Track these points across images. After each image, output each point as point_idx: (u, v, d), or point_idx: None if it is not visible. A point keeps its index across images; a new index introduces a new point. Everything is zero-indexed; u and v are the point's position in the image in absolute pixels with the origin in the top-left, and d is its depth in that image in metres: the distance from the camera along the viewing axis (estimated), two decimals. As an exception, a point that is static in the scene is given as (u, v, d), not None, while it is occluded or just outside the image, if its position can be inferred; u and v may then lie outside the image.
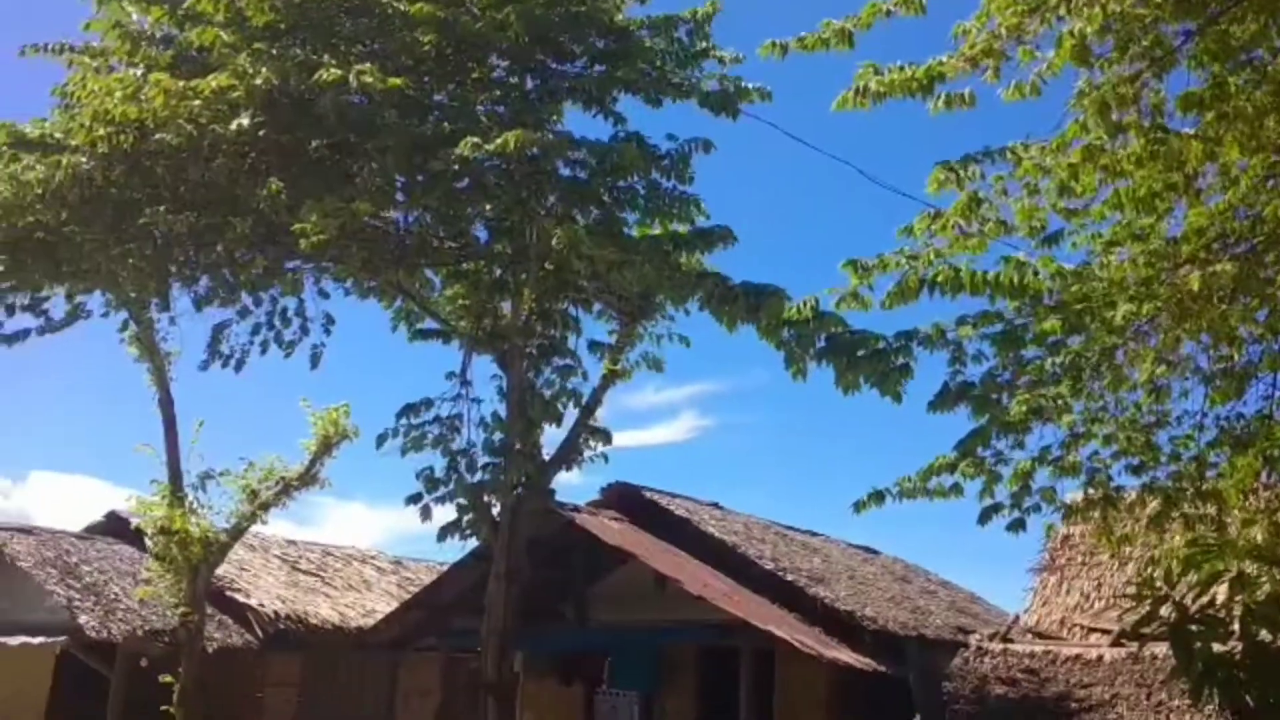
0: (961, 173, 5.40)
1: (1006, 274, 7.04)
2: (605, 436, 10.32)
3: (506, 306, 9.80)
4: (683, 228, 8.41)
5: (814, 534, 16.94)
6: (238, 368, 10.62)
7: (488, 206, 8.04)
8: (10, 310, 10.78)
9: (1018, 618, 12.38)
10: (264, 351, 10.47)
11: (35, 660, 14.60)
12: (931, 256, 7.11)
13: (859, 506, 8.68)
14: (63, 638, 13.84)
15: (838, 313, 7.06)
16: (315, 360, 10.44)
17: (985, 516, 9.03)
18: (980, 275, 7.09)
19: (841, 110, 6.58)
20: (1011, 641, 11.08)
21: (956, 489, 8.86)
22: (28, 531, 15.95)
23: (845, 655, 11.57)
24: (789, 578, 13.15)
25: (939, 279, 7.09)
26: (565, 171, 8.47)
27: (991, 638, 11.21)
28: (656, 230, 8.73)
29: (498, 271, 8.81)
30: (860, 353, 7.43)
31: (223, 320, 10.32)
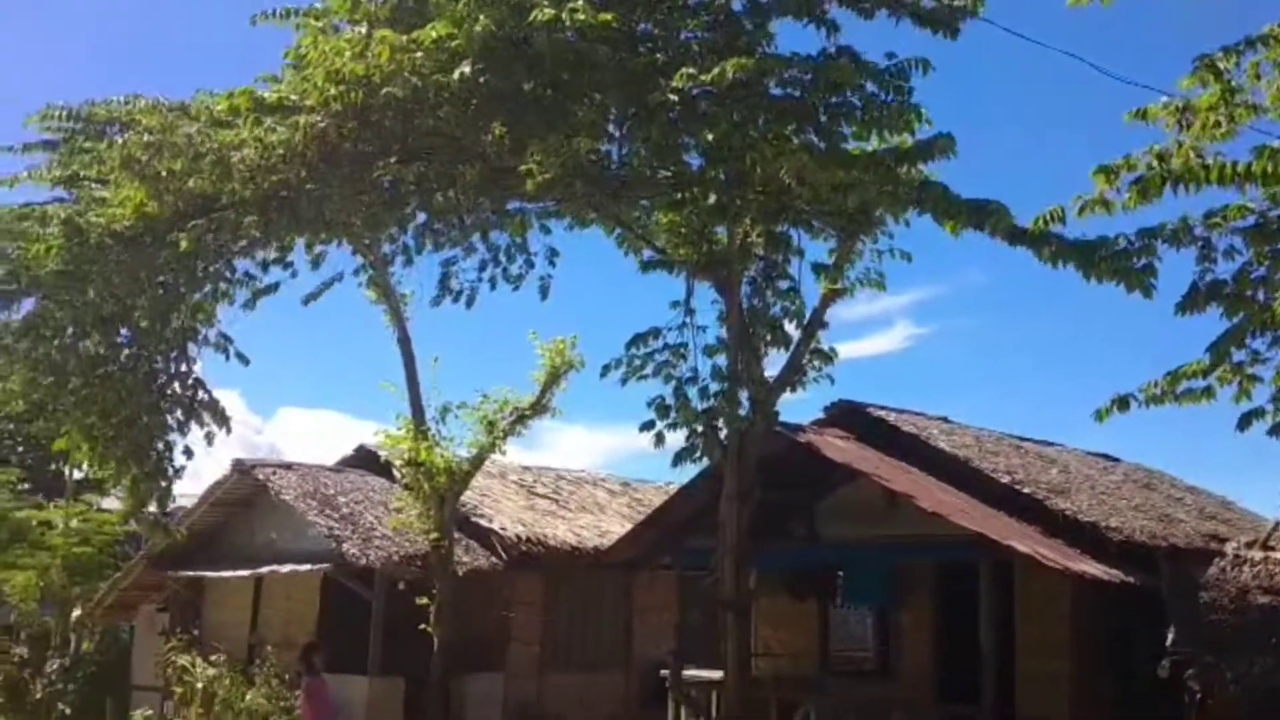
0: (1222, 64, 5.01)
1: (1260, 164, 6.58)
2: (829, 357, 10.24)
3: (723, 232, 9.80)
4: (903, 140, 8.14)
5: (1049, 444, 16.39)
6: (468, 304, 11.00)
7: (706, 134, 7.98)
8: (264, 266, 11.52)
9: (1279, 524, 11.68)
10: (493, 287, 10.82)
11: (305, 585, 15.86)
12: (1178, 150, 6.72)
13: (1101, 414, 8.37)
14: (327, 565, 14.94)
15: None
16: (544, 292, 10.71)
17: (1244, 422, 8.56)
18: (1230, 166, 6.66)
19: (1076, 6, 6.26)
20: (1274, 549, 10.51)
21: (1208, 393, 8.43)
22: (288, 467, 17.22)
23: (1091, 568, 11.23)
24: (1026, 490, 12.81)
25: (1184, 173, 6.70)
26: (777, 91, 8.32)
27: (1250, 545, 10.67)
28: (874, 143, 8.50)
29: (714, 198, 8.78)
30: (1100, 254, 7.10)
31: (450, 257, 10.72)
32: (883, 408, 14.44)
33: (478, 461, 14.32)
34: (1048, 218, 6.86)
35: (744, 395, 9.32)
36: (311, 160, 9.12)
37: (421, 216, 10.17)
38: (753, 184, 8.47)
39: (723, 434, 9.45)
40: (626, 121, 8.57)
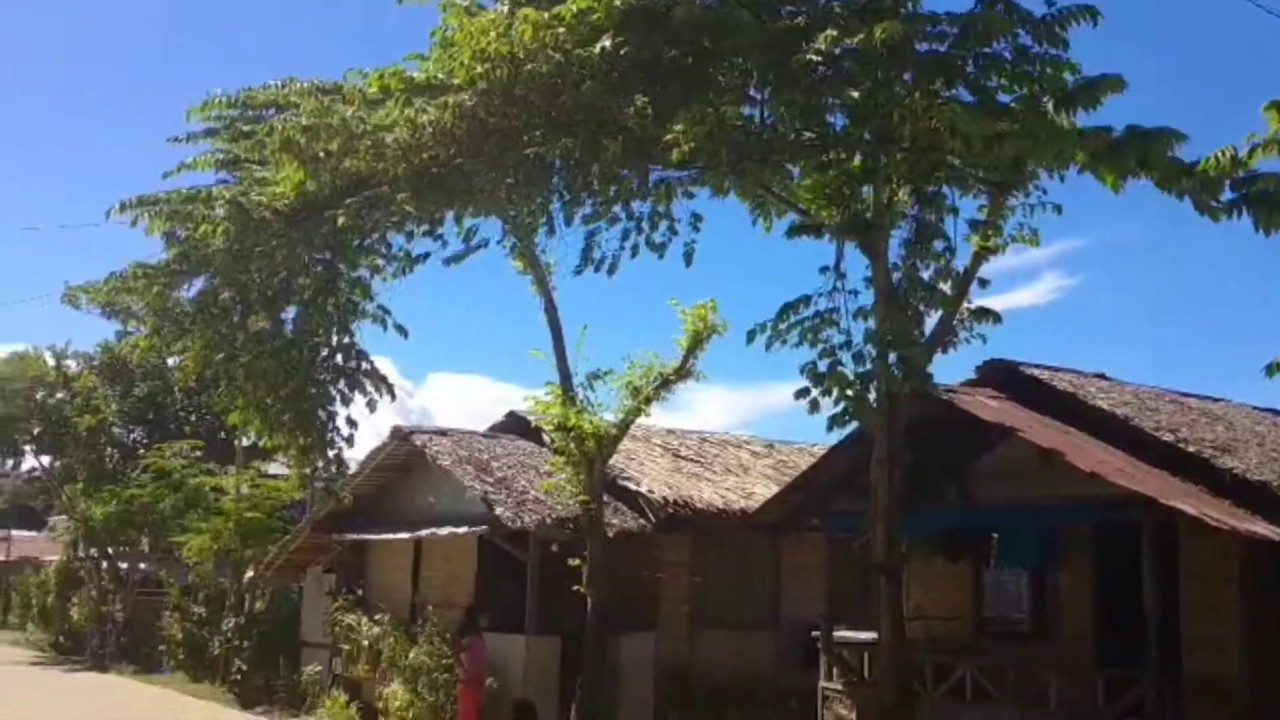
0: None
1: None
2: (988, 316, 10.04)
3: (870, 192, 9.66)
4: (1058, 87, 7.86)
5: (1214, 399, 15.73)
6: (610, 272, 11.12)
7: (851, 94, 7.88)
8: (410, 237, 11.92)
9: None
10: (634, 255, 10.91)
11: (462, 547, 16.41)
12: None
13: (1272, 369, 8.00)
14: (483, 527, 15.40)
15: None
16: (689, 258, 10.73)
17: None
18: None
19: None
20: None
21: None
22: (444, 433, 17.78)
23: (1262, 528, 10.77)
24: (1190, 449, 12.33)
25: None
26: (923, 48, 8.14)
27: None
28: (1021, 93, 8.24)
29: (860, 158, 8.67)
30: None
31: (593, 228, 10.83)
32: (1036, 366, 14.07)
33: (625, 426, 14.52)
34: (1219, 160, 6.52)
35: (895, 358, 9.20)
36: (460, 138, 9.36)
37: (565, 189, 10.33)
38: (899, 142, 8.33)
39: (874, 398, 9.37)
40: (768, 85, 8.53)
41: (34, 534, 42.34)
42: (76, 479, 29.25)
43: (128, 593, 28.04)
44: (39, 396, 29.21)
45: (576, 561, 13.91)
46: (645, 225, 10.65)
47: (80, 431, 29.12)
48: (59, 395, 29.59)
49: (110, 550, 28.85)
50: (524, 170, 9.86)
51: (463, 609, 15.48)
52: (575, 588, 13.93)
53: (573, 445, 14.06)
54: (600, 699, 13.74)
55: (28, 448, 30.15)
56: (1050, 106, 7.67)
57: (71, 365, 30.97)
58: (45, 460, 30.70)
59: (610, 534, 14.70)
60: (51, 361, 30.21)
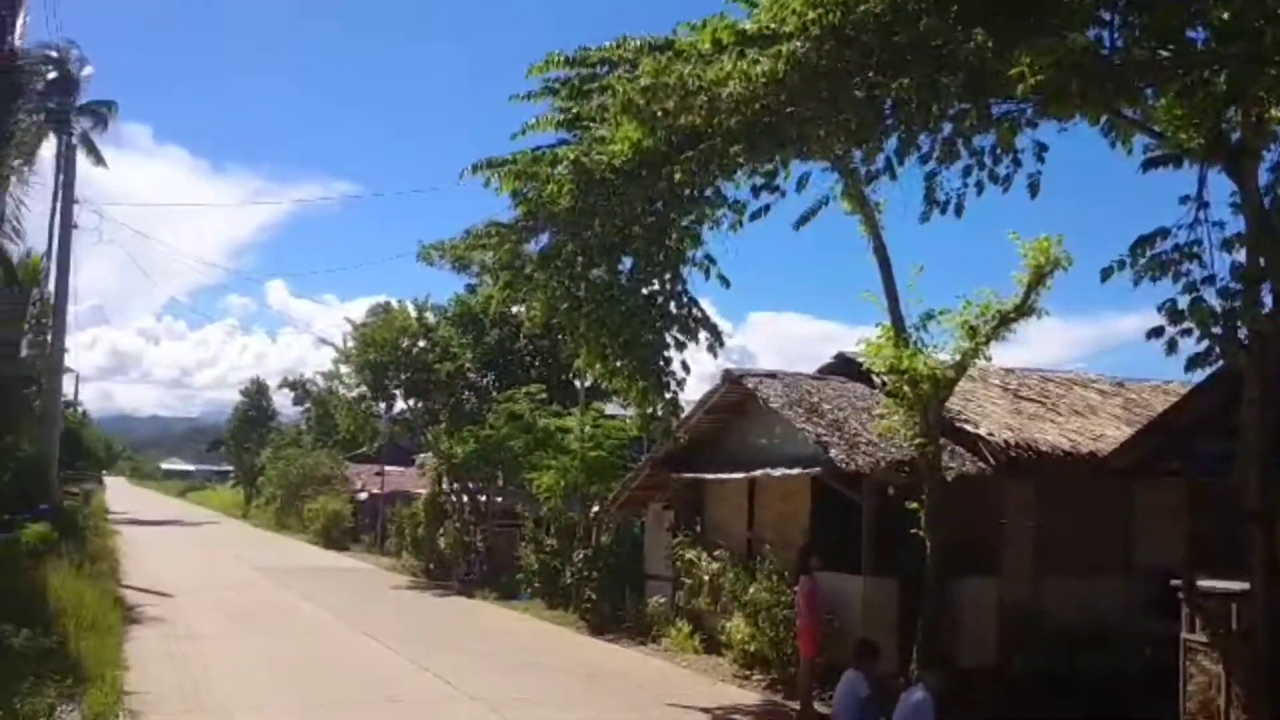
0: None
1: None
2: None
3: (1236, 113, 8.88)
4: None
5: None
6: (957, 212, 10.79)
7: (1219, 12, 7.26)
8: (755, 191, 12.12)
9: None
10: (980, 192, 10.53)
11: (797, 487, 16.64)
12: None
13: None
14: (816, 469, 15.54)
15: None
16: (1033, 189, 10.20)
17: None
18: None
19: None
20: None
21: None
22: (773, 376, 18.03)
23: None
24: None
25: None
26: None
27: None
28: None
29: (1227, 78, 7.97)
30: None
31: (933, 169, 10.53)
32: None
33: (961, 367, 14.15)
34: None
35: (1266, 292, 8.48)
36: (792, 85, 9.42)
37: (901, 129, 10.14)
38: (1271, 60, 7.60)
39: (1243, 334, 8.69)
40: (1122, 5, 8.01)
41: (404, 469, 46.75)
42: (439, 420, 31.93)
43: (487, 524, 30.45)
44: (404, 345, 32.02)
45: (914, 505, 13.79)
46: (987, 160, 10.26)
47: (440, 377, 31.74)
48: (421, 344, 32.32)
49: (470, 485, 31.38)
50: (856, 112, 9.78)
51: (797, 548, 15.74)
52: (913, 531, 13.83)
53: (906, 388, 13.87)
54: (940, 641, 13.62)
55: (397, 392, 33.11)
56: None
57: (429, 317, 33.70)
58: (411, 403, 33.64)
59: (948, 478, 14.46)
60: (414, 313, 33.03)
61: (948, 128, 9.70)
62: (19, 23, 22.16)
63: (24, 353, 43.40)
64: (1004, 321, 13.85)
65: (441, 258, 15.55)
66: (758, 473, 16.94)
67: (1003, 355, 17.49)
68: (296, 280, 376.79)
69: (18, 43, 23.81)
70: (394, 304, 33.81)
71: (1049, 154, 9.82)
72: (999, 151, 10.04)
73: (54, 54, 49.90)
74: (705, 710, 13.71)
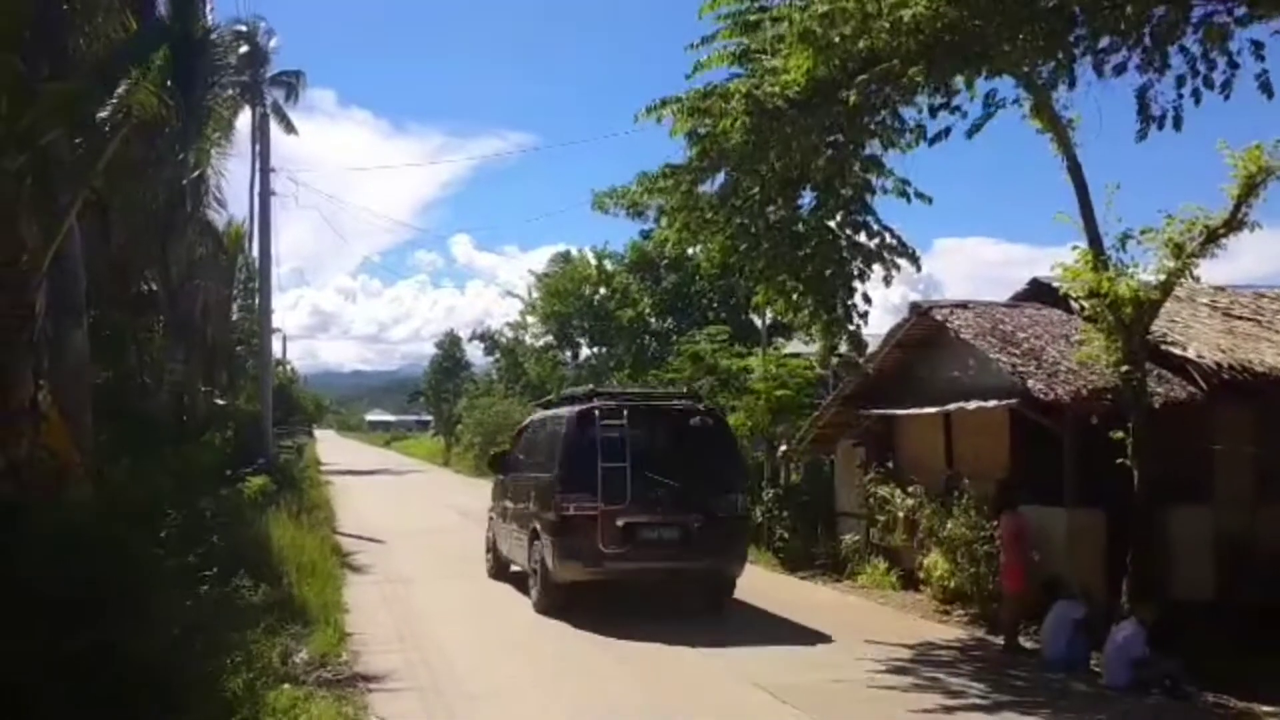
0: None
1: None
2: None
3: None
4: None
5: None
6: (1176, 125, 10.15)
7: None
8: (933, 112, 11.71)
9: None
10: (1198, 102, 9.86)
11: (993, 420, 16.15)
12: None
13: None
14: (1013, 400, 15.03)
15: None
16: (1267, 89, 9.47)
17: None
18: None
19: None
20: None
21: None
22: (964, 306, 17.51)
23: None
24: None
25: None
26: None
27: None
28: None
29: None
30: None
31: (1146, 82, 9.91)
32: None
33: (1166, 288, 13.40)
34: None
35: None
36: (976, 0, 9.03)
37: (1091, 38, 9.60)
38: None
39: None
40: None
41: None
42: (623, 366, 32.41)
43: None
44: (585, 293, 32.57)
45: (1119, 434, 13.21)
46: (1201, 66, 9.57)
47: (622, 324, 32.17)
48: (602, 292, 32.81)
49: (656, 427, 31.78)
50: (1044, 23, 9.32)
51: (995, 483, 15.34)
52: (1119, 460, 13.27)
53: (1107, 312, 13.26)
54: (1152, 573, 13.08)
55: (581, 340, 33.78)
56: None
57: (608, 265, 34.16)
58: (595, 350, 34.27)
59: (1155, 404, 13.78)
60: (593, 261, 33.53)
61: (1147, 36, 9.10)
62: (208, 5, 23.34)
63: (234, 316, 46.29)
64: (1212, 237, 13.04)
65: (616, 204, 15.64)
66: (951, 406, 16.53)
67: (1211, 272, 16.51)
68: (480, 234, 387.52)
69: (209, 21, 25.12)
70: (573, 253, 34.40)
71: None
72: (1210, 55, 9.35)
73: (243, 28, 52.39)
74: (907, 646, 13.58)
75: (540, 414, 18.12)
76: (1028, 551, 13.95)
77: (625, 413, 14.98)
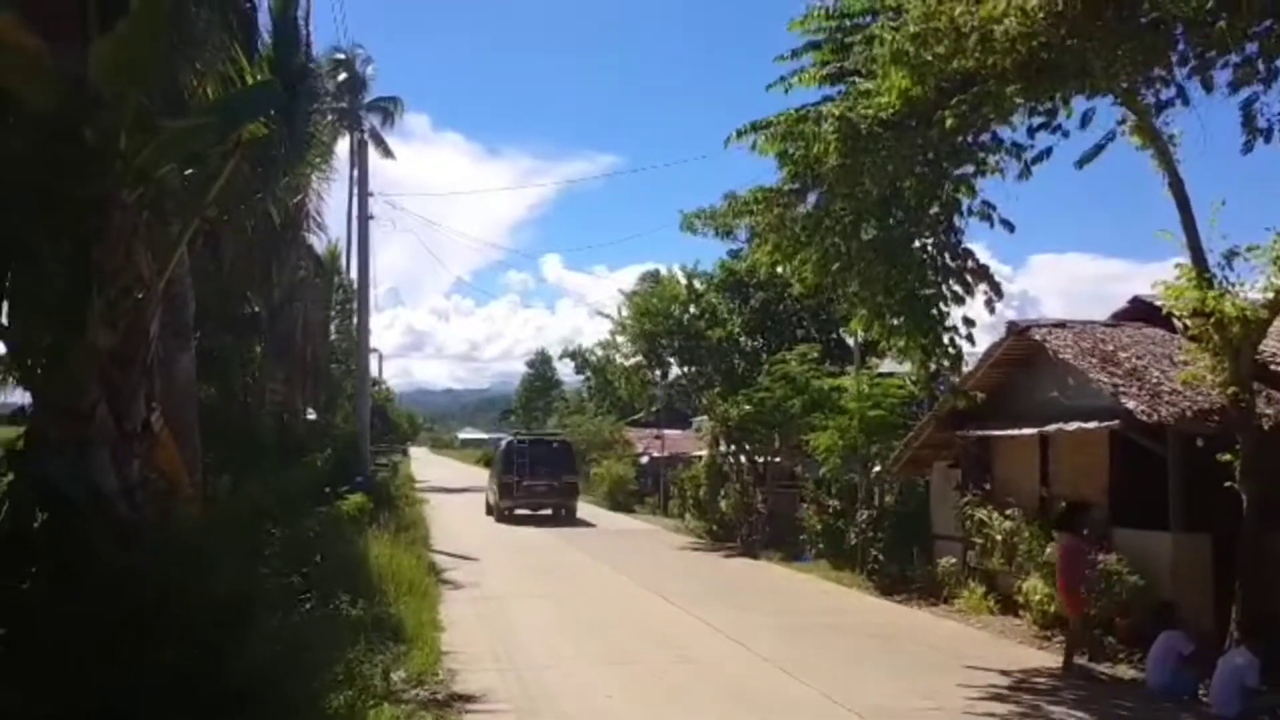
0: None
1: None
2: None
3: None
4: None
5: None
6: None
7: None
8: (1030, 132, 11.55)
9: None
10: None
11: (1092, 442, 15.82)
12: None
13: None
14: (1114, 421, 14.70)
15: None
16: None
17: None
18: None
19: None
20: None
21: None
22: (1063, 325, 17.19)
23: None
24: None
25: None
26: None
27: None
28: None
29: None
30: None
31: (1252, 94, 9.66)
32: None
33: (1275, 306, 12.98)
34: None
35: None
36: (1073, 16, 8.92)
37: (1193, 54, 9.40)
38: None
39: None
40: None
41: (681, 432, 47.74)
42: (713, 385, 32.35)
43: (767, 486, 30.64)
44: (675, 312, 32.57)
45: (1226, 456, 12.83)
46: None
47: (711, 343, 32.12)
48: (691, 310, 32.79)
49: (747, 447, 31.67)
50: (1143, 39, 9.15)
51: (1062, 501, 15.11)
52: (1226, 484, 12.88)
53: (1213, 331, 12.89)
54: (1263, 601, 12.65)
55: (671, 359, 33.77)
56: None
57: (697, 284, 34.12)
58: (685, 369, 34.24)
59: (1265, 426, 13.35)
60: (683, 280, 33.54)
61: (1251, 47, 8.90)
62: (309, 36, 24.02)
63: (331, 336, 47.31)
64: (1325, 252, 12.61)
65: (705, 225, 15.68)
66: (1051, 428, 16.22)
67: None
68: (569, 254, 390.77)
69: (310, 50, 25.80)
70: (663, 271, 34.41)
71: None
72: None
73: (342, 56, 53.74)
74: (1004, 672, 13.32)
75: (504, 442, 41.79)
76: (1081, 574, 13.71)
77: (528, 441, 39.02)
